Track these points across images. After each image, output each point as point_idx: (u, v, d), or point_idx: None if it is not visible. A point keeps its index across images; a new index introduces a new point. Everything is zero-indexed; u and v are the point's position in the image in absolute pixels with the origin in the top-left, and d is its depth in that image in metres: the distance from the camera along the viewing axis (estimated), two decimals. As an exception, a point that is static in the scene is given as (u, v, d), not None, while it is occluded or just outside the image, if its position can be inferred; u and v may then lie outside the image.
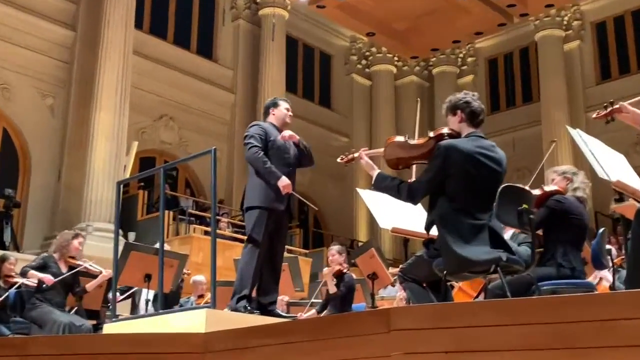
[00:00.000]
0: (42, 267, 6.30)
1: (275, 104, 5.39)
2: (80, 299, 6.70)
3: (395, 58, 21.09)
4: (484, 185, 3.82)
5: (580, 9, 18.92)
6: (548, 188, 4.59)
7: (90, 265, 6.65)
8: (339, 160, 4.72)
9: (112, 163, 13.78)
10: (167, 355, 2.80)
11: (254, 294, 4.97)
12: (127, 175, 13.42)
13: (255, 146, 4.99)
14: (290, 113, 5.42)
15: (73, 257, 6.53)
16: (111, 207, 13.25)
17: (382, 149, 4.16)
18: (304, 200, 6.09)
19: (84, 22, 14.96)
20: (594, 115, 3.48)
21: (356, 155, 4.42)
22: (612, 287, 5.75)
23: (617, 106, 3.11)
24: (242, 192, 17.42)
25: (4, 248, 11.86)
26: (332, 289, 6.98)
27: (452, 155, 3.79)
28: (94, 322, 7.20)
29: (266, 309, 4.91)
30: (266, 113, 5.40)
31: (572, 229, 4.47)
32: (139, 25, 15.92)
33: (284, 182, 4.89)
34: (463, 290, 5.44)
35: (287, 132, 5.11)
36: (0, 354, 2.98)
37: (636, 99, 3.06)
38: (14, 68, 14.13)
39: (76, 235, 6.74)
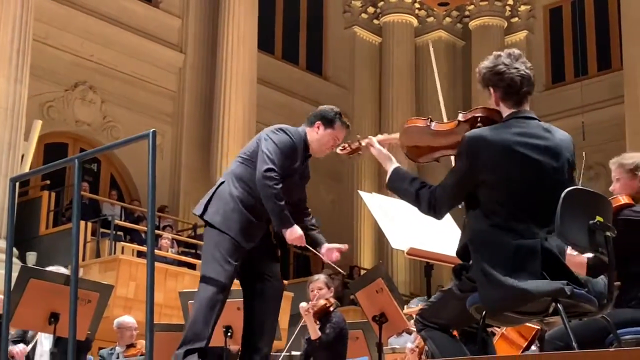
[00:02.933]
0: None
1: (331, 121, 5.20)
2: None
3: (417, 5, 21.16)
4: (532, 190, 3.81)
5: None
6: (615, 198, 4.55)
7: None
8: (339, 150, 4.65)
9: (3, 152, 13.70)
10: None
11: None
12: (26, 169, 13.37)
13: (276, 172, 4.90)
14: (335, 146, 5.15)
15: None
16: (2, 215, 13.21)
17: (396, 135, 4.17)
18: (331, 264, 5.89)
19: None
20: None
21: (363, 143, 4.39)
22: None
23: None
24: (192, 196, 17.45)
25: None
26: (314, 334, 7.01)
27: (480, 151, 3.76)
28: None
29: None
30: (312, 121, 5.25)
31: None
32: (45, -48, 15.88)
33: (295, 233, 4.87)
34: (507, 339, 5.47)
35: (297, 233, 4.95)
36: None
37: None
38: None
39: None
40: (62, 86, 16.34)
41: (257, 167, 4.92)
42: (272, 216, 4.90)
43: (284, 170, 4.95)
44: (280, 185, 4.87)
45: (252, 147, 5.11)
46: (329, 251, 5.13)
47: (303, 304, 7.15)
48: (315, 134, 5.15)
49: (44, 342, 7.53)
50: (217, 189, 5.08)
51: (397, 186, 4.03)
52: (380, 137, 4.33)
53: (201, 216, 5.06)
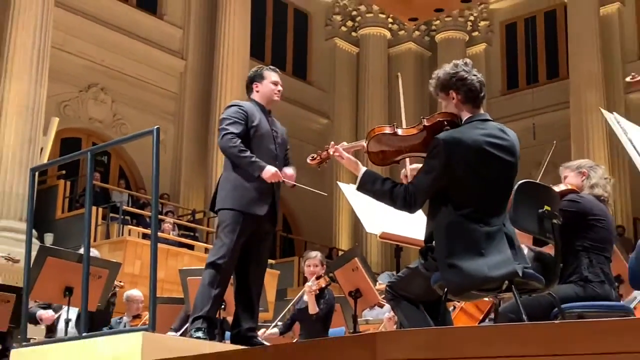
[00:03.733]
0: None
1: (259, 76, 5.23)
2: None
3: (390, 20, 21.15)
4: (497, 184, 3.82)
5: (621, -37, 19.13)
6: (558, 188, 4.59)
7: None
8: (309, 160, 4.57)
9: (25, 145, 13.62)
10: (90, 390, 2.78)
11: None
12: (45, 161, 13.30)
13: (231, 132, 4.89)
14: (279, 87, 5.27)
15: None
16: (23, 201, 13.12)
17: (362, 142, 4.11)
18: (307, 188, 5.88)
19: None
20: (628, 78, 3.53)
21: (331, 152, 4.25)
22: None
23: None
24: (191, 185, 17.44)
25: None
26: (313, 309, 6.97)
27: (455, 151, 3.76)
28: (-1, 346, 7.13)
29: (246, 338, 4.92)
30: (248, 88, 5.27)
31: (595, 233, 4.50)
32: (63, -31, 15.77)
33: (269, 171, 4.82)
34: (466, 312, 5.48)
35: (270, 170, 4.88)
36: None
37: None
38: None
39: None
40: (77, 88, 16.26)
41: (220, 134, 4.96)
42: (246, 168, 4.86)
43: (244, 130, 4.96)
44: (238, 141, 4.87)
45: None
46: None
47: (309, 283, 7.08)
48: (257, 93, 5.18)
49: (70, 313, 7.45)
50: (217, 184, 5.07)
51: (369, 188, 3.98)
52: (345, 145, 4.25)
53: (212, 209, 5.05)
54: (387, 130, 4.02)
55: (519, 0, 20.67)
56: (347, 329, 7.61)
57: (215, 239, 5.07)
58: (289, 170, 5.11)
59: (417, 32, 21.50)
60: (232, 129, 4.91)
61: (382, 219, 4.84)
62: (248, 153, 4.87)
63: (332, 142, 4.28)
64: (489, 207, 3.78)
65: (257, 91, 5.19)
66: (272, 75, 5.22)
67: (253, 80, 5.22)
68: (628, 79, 3.36)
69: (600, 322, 2.24)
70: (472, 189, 3.78)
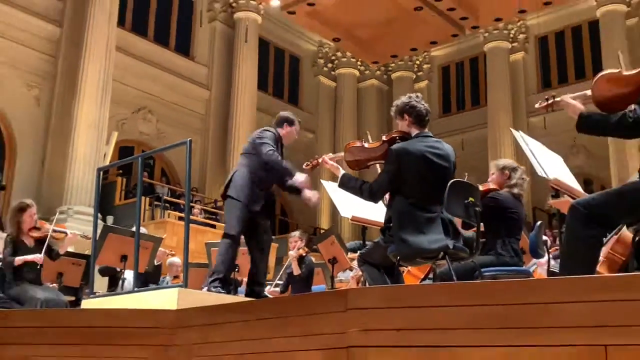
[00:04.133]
0: (15, 251, 5.78)
1: (292, 122, 5.13)
2: (57, 257, 6.30)
3: (359, 62, 21.16)
4: (435, 181, 3.85)
5: (525, 24, 19.21)
6: (483, 187, 4.59)
7: (54, 231, 6.06)
8: (304, 167, 4.68)
9: (93, 151, 13.61)
10: (141, 330, 2.77)
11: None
12: (107, 163, 13.27)
13: (272, 148, 4.83)
14: (297, 135, 5.20)
15: (34, 229, 5.97)
16: (91, 192, 13.11)
17: (342, 153, 4.19)
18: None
19: (70, 19, 14.75)
20: (537, 105, 3.52)
21: (320, 160, 4.42)
22: (548, 274, 5.83)
23: (558, 99, 3.16)
24: (214, 181, 17.32)
25: (-11, 228, 11.63)
26: (297, 271, 7.03)
27: (403, 158, 3.81)
28: (73, 298, 7.08)
29: (257, 293, 4.90)
30: (280, 124, 5.12)
31: (509, 222, 4.49)
32: (121, 23, 15.73)
33: (300, 178, 4.76)
34: (412, 274, 5.47)
35: (302, 177, 4.80)
36: (-17, 326, 2.92)
37: (577, 94, 3.12)
38: (1, 60, 13.88)
39: (23, 208, 5.94)
40: (130, 110, 16.17)
41: (259, 152, 4.83)
42: (282, 172, 4.78)
43: (280, 152, 4.91)
44: (276, 153, 4.80)
45: (248, 145, 5.02)
46: (308, 196, 4.95)
47: (291, 253, 7.12)
48: (283, 131, 5.08)
49: (128, 275, 7.37)
50: (232, 177, 4.98)
51: (346, 185, 4.06)
52: (330, 155, 4.40)
53: (225, 195, 4.94)
54: (358, 144, 4.09)
55: (451, 50, 20.74)
56: (326, 286, 7.63)
57: (227, 217, 4.97)
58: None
59: (378, 72, 21.50)
60: (271, 145, 4.86)
61: (352, 206, 4.86)
62: (285, 163, 4.83)
63: (323, 155, 4.41)
64: (429, 199, 3.82)
65: (286, 130, 5.09)
66: (298, 126, 5.18)
67: (287, 120, 5.13)
68: (537, 105, 3.36)
69: (508, 281, 2.26)
70: (417, 185, 3.81)
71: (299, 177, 4.76)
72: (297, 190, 4.96)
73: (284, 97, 20.12)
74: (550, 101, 3.17)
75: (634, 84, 2.82)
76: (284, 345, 2.30)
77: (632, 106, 2.75)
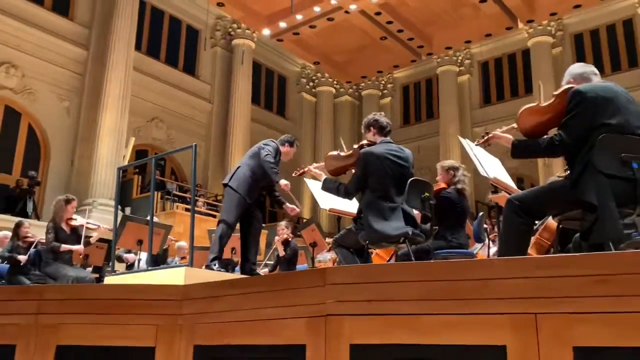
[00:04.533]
0: (57, 236, 5.76)
1: (292, 144, 5.09)
2: (87, 244, 6.24)
3: (335, 82, 21.14)
4: (396, 178, 3.87)
5: (470, 52, 19.36)
6: (436, 186, 4.61)
7: (88, 223, 6.09)
8: (293, 174, 4.69)
9: (113, 153, 13.49)
10: (154, 302, 2.75)
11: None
12: (126, 163, 13.17)
13: (272, 157, 4.81)
14: (291, 156, 5.14)
15: (71, 219, 5.94)
16: (112, 187, 13.03)
17: (323, 163, 4.21)
18: (293, 198, 5.78)
19: (95, 43, 14.64)
20: (475, 143, 3.55)
21: (306, 169, 4.44)
22: (488, 255, 5.88)
23: (491, 135, 3.19)
24: (215, 179, 17.17)
25: (27, 217, 11.51)
26: (282, 253, 7.01)
27: (369, 158, 3.83)
28: (97, 275, 7.01)
29: (250, 270, 4.85)
30: (283, 142, 5.06)
31: (456, 213, 4.54)
32: (138, 47, 15.58)
33: (283, 182, 4.72)
34: (379, 255, 5.50)
35: (285, 182, 4.73)
36: (24, 298, 2.88)
37: (505, 127, 3.15)
38: (39, 77, 13.82)
39: (68, 201, 5.89)
40: (145, 119, 16.00)
41: (260, 157, 4.80)
42: (272, 174, 4.72)
43: (275, 161, 4.87)
44: (274, 165, 4.77)
45: (255, 149, 4.98)
46: (290, 208, 4.98)
47: (277, 237, 7.11)
48: (284, 148, 5.05)
49: (143, 256, 7.33)
50: (236, 171, 4.91)
51: (328, 187, 4.09)
52: (315, 164, 4.39)
53: (226, 184, 4.86)
54: (334, 153, 4.12)
55: (411, 72, 20.80)
56: (308, 265, 7.63)
57: (225, 205, 4.88)
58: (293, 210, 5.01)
59: (350, 90, 21.52)
60: (272, 155, 4.84)
61: (330, 200, 4.87)
62: (277, 169, 4.80)
63: (309, 166, 4.41)
64: (392, 192, 3.83)
65: (286, 149, 5.05)
66: (296, 149, 5.15)
67: (289, 142, 5.10)
68: (475, 143, 3.35)
69: (455, 261, 2.27)
70: (382, 181, 3.83)
71: (283, 182, 4.72)
72: (279, 203, 5.05)
73: (273, 110, 20.04)
74: (486, 137, 3.22)
75: (551, 112, 2.86)
76: (273, 314, 2.30)
77: (557, 131, 2.80)
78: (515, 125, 2.98)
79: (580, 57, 16.65)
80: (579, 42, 17.52)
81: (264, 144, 4.95)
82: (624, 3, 16.38)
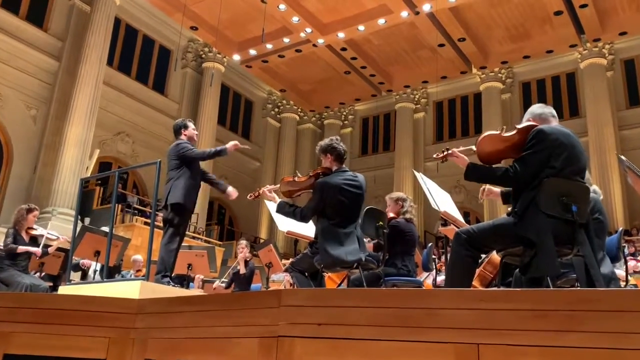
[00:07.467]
0: (15, 242, 5.57)
1: (185, 126, 4.75)
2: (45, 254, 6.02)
3: (299, 109, 21.24)
4: (350, 205, 3.88)
5: (426, 91, 19.83)
6: (388, 215, 4.63)
7: (48, 234, 5.92)
8: (248, 197, 4.51)
9: (77, 164, 13.12)
10: (108, 314, 2.64)
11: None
12: (89, 175, 12.85)
13: (193, 149, 4.58)
14: (196, 132, 4.86)
15: (31, 228, 5.78)
16: (73, 197, 12.63)
17: (278, 185, 4.17)
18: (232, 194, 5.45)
19: (67, 56, 14.34)
20: (434, 155, 3.59)
21: (261, 191, 4.31)
22: (434, 284, 5.94)
23: (450, 151, 3.23)
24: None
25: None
26: (243, 270, 6.92)
27: (325, 189, 3.83)
28: (51, 284, 6.72)
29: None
30: (178, 132, 4.73)
31: (405, 242, 4.58)
32: (110, 62, 15.32)
33: (229, 145, 4.49)
34: (331, 279, 5.48)
35: (231, 144, 4.52)
36: (-29, 306, 2.72)
37: (464, 148, 3.18)
38: (7, 84, 13.39)
39: (30, 210, 5.75)
40: (111, 132, 15.64)
41: (189, 156, 4.51)
42: (214, 154, 4.52)
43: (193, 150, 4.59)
44: (195, 150, 4.57)
45: (173, 162, 4.64)
46: (231, 192, 4.73)
47: (240, 255, 6.98)
48: (184, 136, 4.78)
49: (96, 266, 7.09)
50: (169, 188, 4.58)
51: (283, 210, 4.02)
52: (269, 187, 4.33)
53: (165, 204, 4.55)
54: (290, 179, 4.09)
55: (371, 106, 21.10)
56: (262, 285, 7.53)
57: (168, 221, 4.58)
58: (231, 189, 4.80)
59: (314, 118, 21.64)
60: (191, 145, 4.65)
61: (288, 224, 4.83)
62: (206, 152, 4.57)
63: (262, 188, 4.31)
64: (346, 219, 3.84)
65: (185, 135, 4.78)
66: (192, 124, 4.84)
67: (182, 127, 4.81)
68: (434, 155, 3.40)
69: (403, 290, 2.28)
70: (337, 209, 3.82)
71: (228, 145, 4.52)
72: (217, 185, 4.77)
73: (238, 132, 19.92)
74: (444, 153, 3.27)
75: (510, 143, 2.92)
76: (227, 333, 2.24)
77: (512, 162, 2.85)
78: (473, 147, 3.00)
79: (527, 104, 17.28)
80: (527, 90, 18.21)
81: (178, 148, 4.61)
82: (569, 57, 17.18)
